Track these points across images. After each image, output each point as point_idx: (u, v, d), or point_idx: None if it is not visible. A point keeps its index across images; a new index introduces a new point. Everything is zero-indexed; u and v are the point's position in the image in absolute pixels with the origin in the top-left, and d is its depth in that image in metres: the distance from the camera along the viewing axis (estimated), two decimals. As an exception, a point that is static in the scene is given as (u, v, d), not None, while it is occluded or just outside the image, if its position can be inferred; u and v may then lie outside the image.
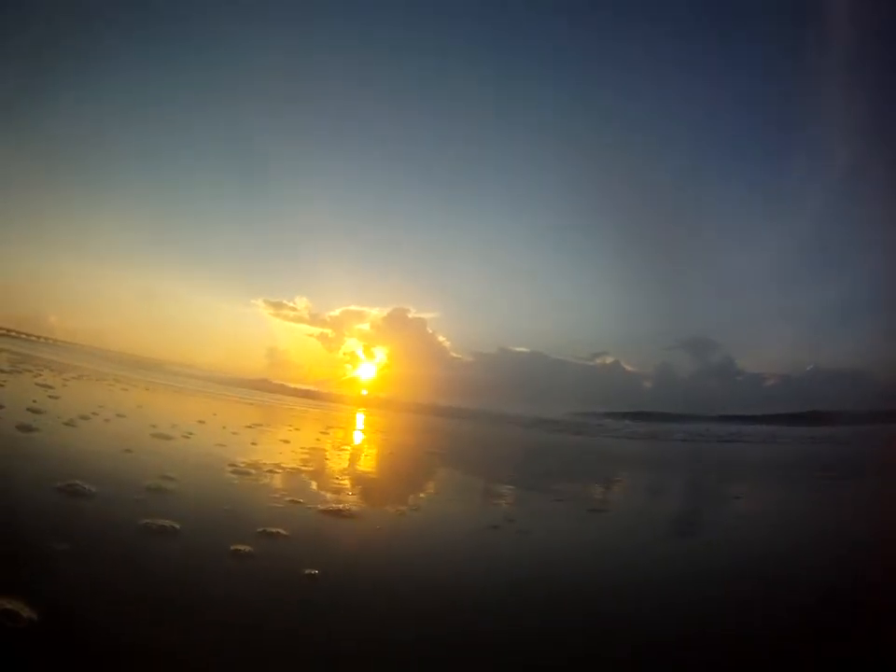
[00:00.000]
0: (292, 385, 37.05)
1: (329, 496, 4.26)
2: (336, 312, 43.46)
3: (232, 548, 2.64)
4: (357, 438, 11.57)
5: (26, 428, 4.74)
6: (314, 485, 4.64)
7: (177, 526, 2.78)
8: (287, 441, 8.14)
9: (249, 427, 9.16)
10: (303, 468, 5.50)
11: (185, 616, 1.97)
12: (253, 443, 7.07)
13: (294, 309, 43.31)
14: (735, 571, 3.36)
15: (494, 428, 19.61)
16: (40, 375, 11.29)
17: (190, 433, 6.61)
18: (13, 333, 45.85)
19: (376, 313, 42.34)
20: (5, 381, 8.75)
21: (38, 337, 47.29)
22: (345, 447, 9.14)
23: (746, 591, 2.96)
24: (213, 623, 1.96)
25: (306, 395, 28.14)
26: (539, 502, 5.63)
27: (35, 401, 6.64)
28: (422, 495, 5.46)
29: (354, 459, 7.82)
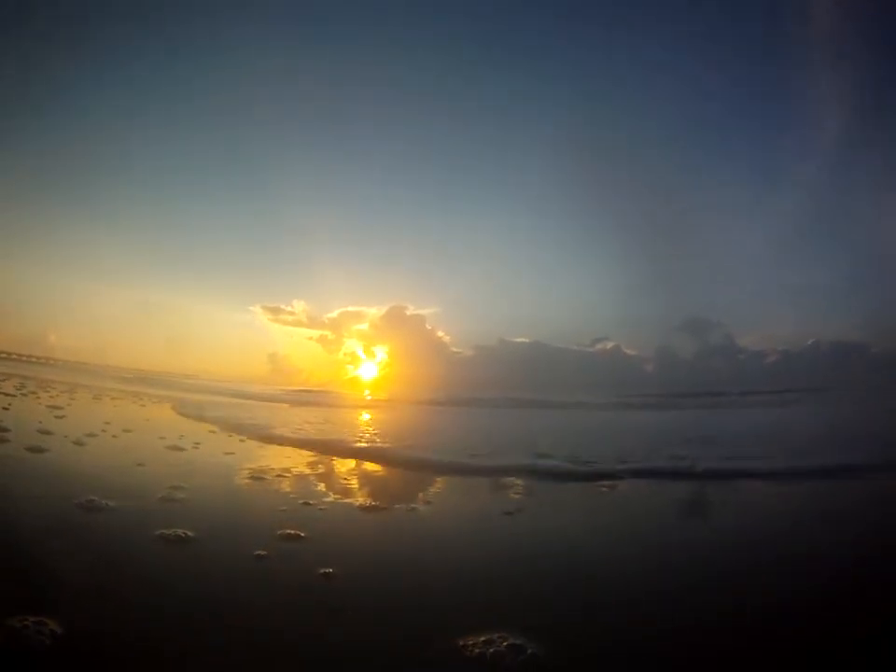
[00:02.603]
0: (295, 389, 37.15)
1: (345, 496, 4.32)
2: (334, 313, 43.37)
3: (255, 553, 2.69)
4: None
5: (37, 450, 4.79)
6: (327, 487, 4.69)
7: (193, 534, 2.84)
8: (296, 445, 8.19)
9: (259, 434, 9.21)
10: (316, 470, 5.55)
11: (211, 622, 2.02)
12: (262, 449, 7.12)
13: (292, 313, 43.25)
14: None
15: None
16: (45, 396, 11.34)
17: (199, 443, 6.67)
18: (14, 356, 45.83)
19: (374, 312, 42.30)
20: (10, 404, 8.79)
21: (38, 358, 47.29)
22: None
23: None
24: (238, 627, 2.00)
25: (310, 398, 28.26)
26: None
27: (41, 422, 6.69)
28: (440, 487, 5.51)
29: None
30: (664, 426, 14.32)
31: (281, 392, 31.79)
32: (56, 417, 7.60)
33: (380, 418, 15.95)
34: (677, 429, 12.27)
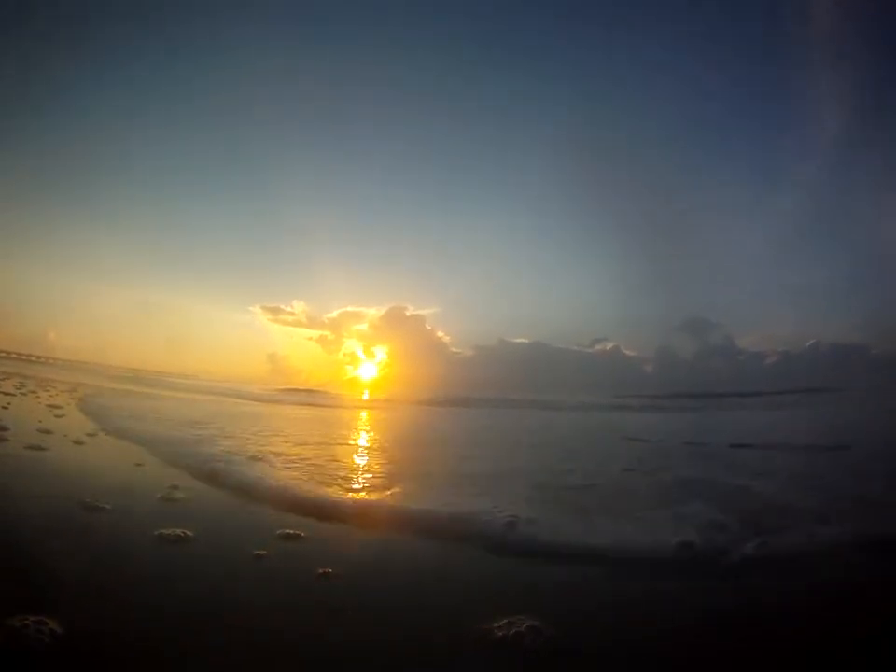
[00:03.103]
0: (290, 388, 37.23)
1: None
2: (334, 314, 43.48)
3: (256, 552, 2.68)
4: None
5: (37, 448, 4.78)
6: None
7: (192, 534, 2.83)
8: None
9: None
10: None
11: (211, 622, 2.02)
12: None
13: (292, 313, 43.39)
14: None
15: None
16: (44, 395, 11.33)
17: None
18: (14, 355, 45.87)
19: (374, 312, 42.39)
20: (10, 403, 8.78)
21: (38, 357, 47.35)
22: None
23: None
24: (238, 627, 2.00)
25: (308, 398, 28.30)
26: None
27: (41, 421, 6.69)
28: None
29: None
30: (678, 433, 12.69)
31: (275, 392, 31.77)
32: (56, 416, 7.59)
33: (330, 417, 15.44)
34: (697, 437, 10.37)
